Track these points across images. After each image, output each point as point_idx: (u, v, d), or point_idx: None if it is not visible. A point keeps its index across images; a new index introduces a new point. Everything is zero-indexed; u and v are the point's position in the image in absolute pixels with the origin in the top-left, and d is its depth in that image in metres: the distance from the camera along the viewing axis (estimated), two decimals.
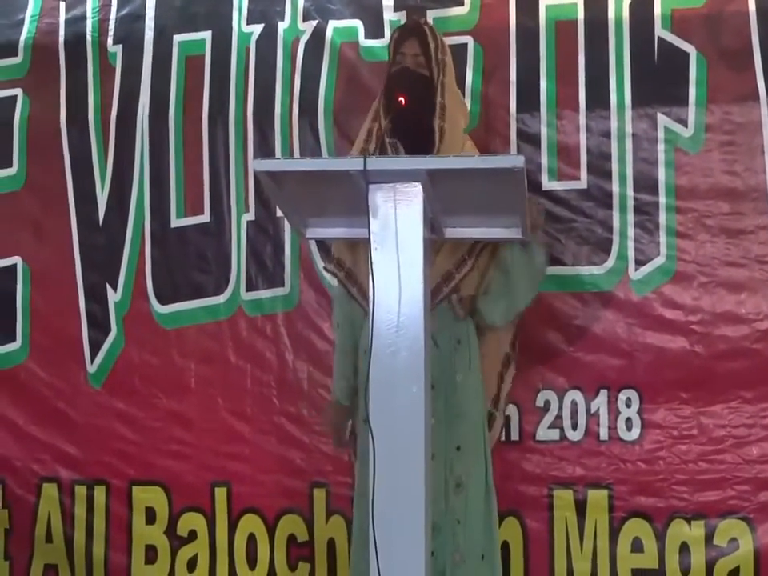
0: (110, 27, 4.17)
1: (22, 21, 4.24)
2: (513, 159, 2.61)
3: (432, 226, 2.70)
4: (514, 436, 3.69)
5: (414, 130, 3.13)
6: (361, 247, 2.99)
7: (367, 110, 3.36)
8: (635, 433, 3.59)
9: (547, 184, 3.72)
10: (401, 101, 3.03)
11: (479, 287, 3.21)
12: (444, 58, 3.22)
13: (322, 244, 3.68)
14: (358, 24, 3.94)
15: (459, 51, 3.75)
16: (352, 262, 3.13)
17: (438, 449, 3.01)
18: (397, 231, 2.56)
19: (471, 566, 3.09)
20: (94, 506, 4.07)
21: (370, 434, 2.54)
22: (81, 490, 4.08)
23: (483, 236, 2.96)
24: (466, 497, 3.12)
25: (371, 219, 2.54)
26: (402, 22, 3.72)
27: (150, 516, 4.01)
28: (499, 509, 3.37)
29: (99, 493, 4.06)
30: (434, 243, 2.85)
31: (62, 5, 4.17)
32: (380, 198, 2.54)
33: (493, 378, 3.35)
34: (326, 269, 3.47)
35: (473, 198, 2.72)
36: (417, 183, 2.53)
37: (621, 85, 3.69)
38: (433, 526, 2.76)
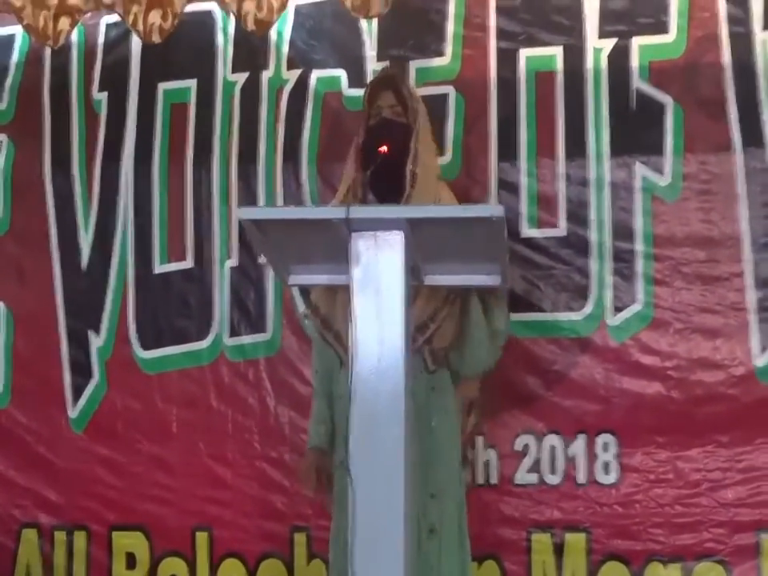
0: (95, 74, 4.24)
1: (7, 66, 4.29)
2: (492, 209, 2.71)
3: (412, 272, 2.72)
4: (493, 480, 3.75)
5: (393, 177, 3.16)
6: (338, 294, 3.08)
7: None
8: (612, 477, 3.65)
9: (527, 231, 3.79)
10: (383, 150, 3.05)
11: (452, 339, 3.23)
12: (417, 107, 3.32)
13: (305, 290, 3.62)
14: (341, 73, 4.03)
15: (440, 101, 3.88)
16: (327, 309, 3.19)
17: (413, 496, 2.94)
18: (378, 278, 2.61)
19: None
20: (74, 552, 4.10)
21: (348, 477, 2.60)
22: (60, 536, 4.11)
23: (463, 283, 2.99)
24: (439, 543, 3.16)
25: (353, 266, 2.60)
26: (385, 69, 3.81)
27: (131, 561, 4.05)
28: (478, 552, 3.44)
29: (79, 538, 4.10)
30: (414, 291, 2.85)
31: (47, 51, 4.17)
32: (362, 246, 2.59)
33: (465, 429, 3.36)
34: (303, 315, 3.56)
35: (453, 245, 2.75)
36: (398, 231, 2.59)
37: (599, 134, 3.77)
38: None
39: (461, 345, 3.24)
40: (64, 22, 3.50)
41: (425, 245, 2.69)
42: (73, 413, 4.15)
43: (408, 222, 2.60)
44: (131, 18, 3.44)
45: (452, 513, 3.19)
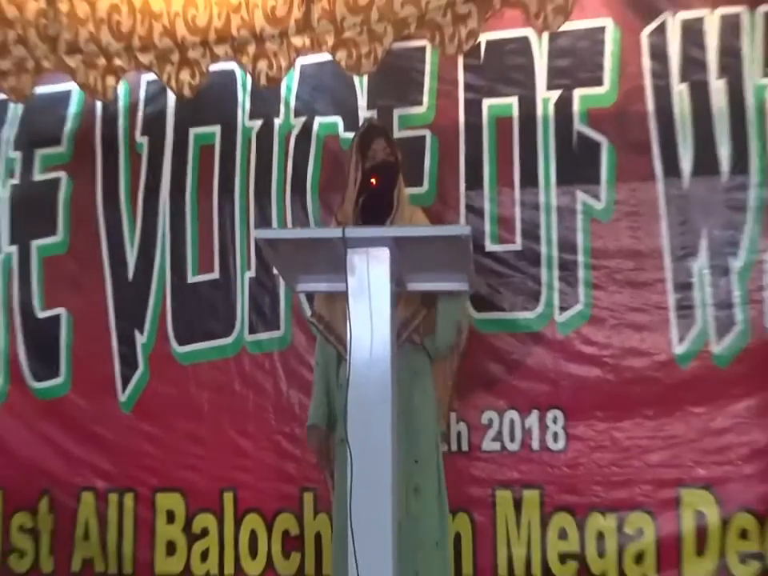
0: (137, 122, 4.23)
1: (65, 116, 4.29)
2: (461, 229, 2.81)
3: (397, 280, 2.74)
4: (464, 447, 3.75)
5: (382, 203, 3.18)
6: (337, 303, 3.06)
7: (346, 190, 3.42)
8: (561, 444, 3.66)
9: (490, 246, 3.78)
10: (373, 183, 3.15)
11: (433, 332, 3.23)
12: (397, 150, 3.33)
13: (310, 297, 3.63)
14: (338, 120, 4.01)
15: (419, 142, 3.90)
16: (330, 316, 3.18)
17: (400, 462, 2.95)
18: (369, 286, 2.65)
19: (427, 552, 3.13)
20: (124, 511, 4.08)
21: (347, 449, 2.63)
22: (113, 497, 4.09)
23: (438, 288, 3.00)
24: (423, 500, 3.16)
25: (349, 276, 2.64)
26: (372, 118, 3.79)
27: (170, 517, 4.03)
28: (452, 506, 3.42)
29: (128, 499, 4.08)
30: (399, 295, 2.86)
31: (98, 103, 4.15)
32: (356, 260, 2.64)
33: (444, 402, 3.38)
34: (310, 321, 3.50)
35: (430, 258, 2.78)
36: (385, 248, 2.63)
37: (547, 168, 3.77)
38: (399, 524, 2.79)
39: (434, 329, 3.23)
40: (111, 80, 3.46)
41: (407, 258, 2.72)
42: (122, 397, 4.14)
43: (393, 240, 2.65)
44: (165, 76, 3.41)
45: (432, 475, 3.20)
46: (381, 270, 2.65)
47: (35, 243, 4.31)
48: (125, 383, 4.16)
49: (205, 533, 4.01)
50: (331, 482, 3.36)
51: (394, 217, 3.19)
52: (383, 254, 2.65)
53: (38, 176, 4.36)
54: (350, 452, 2.64)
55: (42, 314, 4.29)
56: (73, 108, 4.30)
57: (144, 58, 3.41)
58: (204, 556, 4.00)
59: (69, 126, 4.31)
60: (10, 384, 4.28)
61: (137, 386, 4.15)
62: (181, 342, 4.13)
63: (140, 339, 4.16)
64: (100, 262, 4.23)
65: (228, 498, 3.99)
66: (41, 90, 4.00)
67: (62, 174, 4.31)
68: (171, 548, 4.03)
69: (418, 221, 3.32)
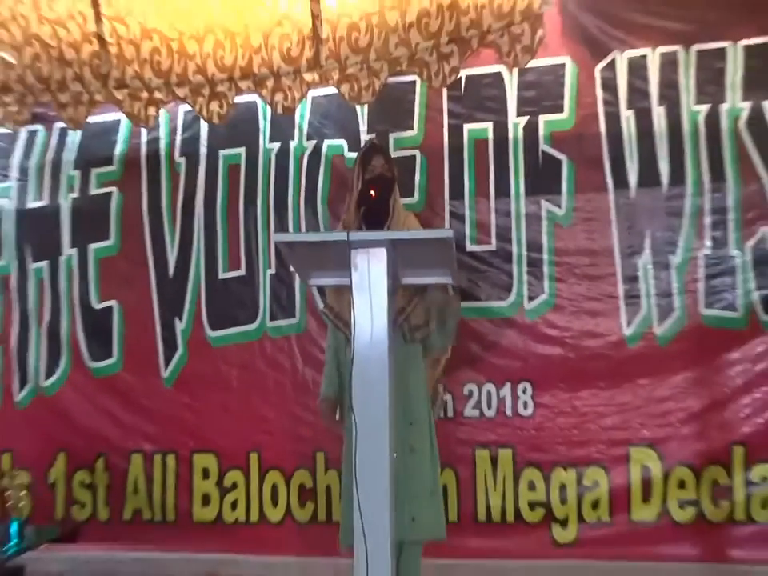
0: (176, 145, 4.20)
1: (116, 140, 4.25)
2: (445, 232, 2.78)
3: (393, 275, 2.71)
4: (450, 414, 3.77)
5: (381, 210, 3.14)
6: (344, 295, 2.95)
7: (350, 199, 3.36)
8: (530, 411, 3.71)
9: (470, 247, 3.81)
10: (372, 194, 3.10)
11: (422, 318, 3.16)
12: (393, 166, 3.27)
13: (322, 291, 3.63)
14: (343, 142, 3.99)
15: (411, 160, 3.90)
16: (339, 308, 3.12)
17: (397, 425, 2.91)
18: (370, 280, 2.62)
19: (422, 500, 3.06)
20: (167, 469, 4.07)
21: (352, 415, 2.61)
22: (158, 458, 4.08)
23: (427, 281, 2.93)
24: (416, 457, 3.09)
25: (353, 272, 2.61)
26: (373, 140, 3.71)
27: (205, 474, 4.02)
28: (440, 463, 3.32)
29: (170, 459, 4.07)
30: (395, 288, 2.82)
31: (143, 131, 4.12)
32: (359, 258, 2.61)
33: (432, 381, 3.30)
34: (323, 312, 3.43)
35: (420, 257, 2.74)
36: (383, 248, 2.61)
37: (517, 181, 3.79)
38: (397, 477, 2.78)
39: (436, 335, 3.20)
40: (152, 110, 3.45)
41: (401, 257, 2.70)
42: (165, 374, 4.12)
43: (390, 242, 2.64)
44: (198, 106, 3.40)
45: (425, 436, 3.15)
46: (379, 266, 2.63)
47: (92, 246, 4.27)
48: (167, 362, 4.14)
49: (234, 486, 4.00)
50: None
51: (390, 222, 3.16)
52: (381, 254, 2.63)
53: (93, 191, 4.31)
54: (354, 418, 2.62)
55: (97, 306, 4.25)
56: (122, 134, 4.26)
57: (180, 92, 3.39)
58: (233, 506, 4.00)
59: (119, 149, 4.27)
60: (71, 364, 4.23)
61: (177, 365, 4.13)
62: (213, 328, 4.10)
63: (179, 326, 4.14)
64: (145, 261, 4.20)
65: (253, 457, 3.98)
66: (94, 119, 3.95)
67: (113, 189, 4.27)
68: (206, 499, 4.03)
69: (411, 225, 3.28)
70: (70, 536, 3.32)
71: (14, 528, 2.74)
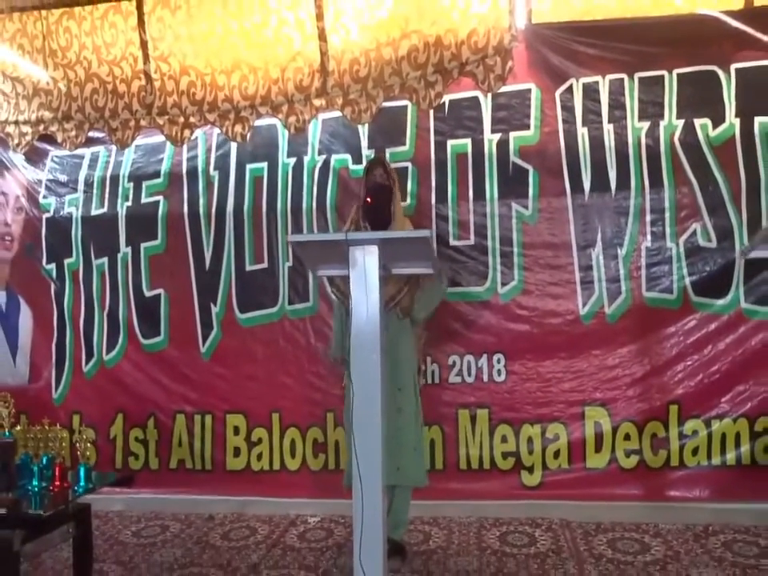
0: (211, 162, 4.15)
1: (162, 159, 4.22)
2: (423, 232, 2.74)
3: (384, 267, 2.71)
4: (436, 381, 3.77)
5: (379, 215, 3.15)
6: (347, 279, 2.95)
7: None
8: (503, 377, 3.71)
9: (453, 242, 3.79)
10: (369, 200, 3.13)
11: (412, 303, 3.18)
12: (394, 176, 3.27)
13: (331, 280, 3.47)
14: (348, 157, 3.95)
15: (404, 171, 3.84)
16: (344, 288, 3.06)
17: (387, 390, 2.89)
18: (365, 270, 2.64)
19: (408, 454, 3.10)
20: (204, 427, 4.07)
21: (349, 379, 2.66)
22: (197, 418, 4.08)
23: (412, 272, 2.90)
24: (404, 417, 3.12)
25: (351, 264, 2.64)
26: (372, 155, 3.76)
27: (236, 431, 4.02)
28: (427, 422, 3.43)
29: (207, 419, 4.07)
30: (385, 277, 2.79)
31: (185, 148, 4.04)
32: (356, 254, 2.64)
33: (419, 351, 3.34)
34: (332, 290, 3.41)
35: (405, 252, 2.75)
36: (375, 245, 2.63)
37: (492, 187, 3.77)
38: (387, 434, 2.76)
39: (420, 302, 3.22)
40: (186, 132, 3.48)
41: (390, 252, 2.70)
42: (203, 349, 4.10)
43: (380, 240, 2.65)
44: (224, 129, 3.42)
45: (411, 399, 3.18)
46: (372, 259, 2.65)
47: (143, 245, 4.26)
48: (204, 339, 4.13)
49: (260, 441, 4.01)
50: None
51: (392, 226, 3.15)
52: (374, 250, 2.64)
53: (144, 200, 4.28)
54: (351, 382, 2.65)
55: (148, 294, 4.24)
56: (167, 153, 4.21)
57: (210, 117, 3.42)
58: (259, 457, 4.00)
59: (164, 165, 4.23)
60: (127, 341, 4.23)
61: (212, 342, 4.11)
62: (242, 311, 4.08)
63: (214, 309, 4.12)
64: (186, 257, 4.18)
65: (275, 417, 3.99)
66: (144, 140, 4.09)
67: (160, 198, 4.25)
68: (237, 452, 4.03)
69: (407, 228, 3.26)
70: (127, 481, 3.35)
71: (82, 472, 2.79)
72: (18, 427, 2.84)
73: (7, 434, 2.82)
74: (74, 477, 2.74)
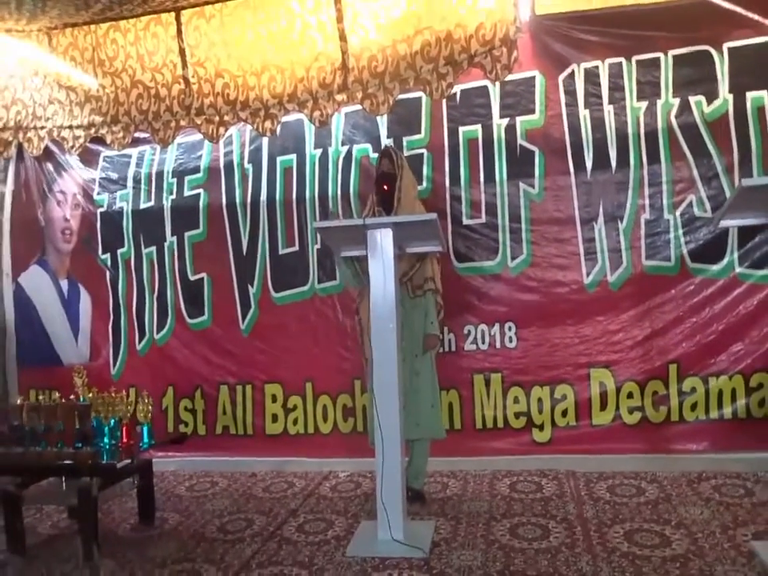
0: (245, 156, 4.27)
1: (201, 155, 4.36)
2: (431, 216, 2.83)
3: (398, 247, 2.89)
4: (453, 349, 3.90)
5: (389, 201, 3.28)
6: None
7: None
8: (514, 344, 3.83)
9: (466, 221, 3.91)
10: (384, 187, 3.27)
11: (423, 279, 3.28)
12: (401, 163, 3.36)
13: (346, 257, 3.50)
14: (368, 146, 4.08)
15: (419, 157, 3.95)
16: (365, 266, 3.05)
17: (406, 355, 3.13)
18: (382, 250, 2.82)
19: (426, 411, 3.25)
20: (246, 396, 4.23)
21: (371, 349, 2.81)
22: (239, 388, 4.24)
23: (423, 250, 3.07)
24: (420, 378, 3.26)
25: (369, 246, 2.82)
26: (388, 145, 3.76)
27: (274, 399, 4.19)
28: (445, 386, 3.58)
29: (248, 389, 4.23)
30: (400, 256, 2.98)
31: (222, 144, 4.19)
32: (373, 236, 2.81)
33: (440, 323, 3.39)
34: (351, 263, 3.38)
35: (416, 233, 2.91)
36: (389, 229, 2.80)
37: (501, 169, 3.87)
38: (405, 393, 2.96)
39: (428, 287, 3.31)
40: (221, 130, 3.57)
41: (403, 233, 2.86)
42: (242, 326, 4.26)
43: (394, 224, 2.80)
44: (255, 125, 3.49)
45: (428, 364, 3.30)
46: (387, 241, 2.81)
47: (187, 234, 4.38)
48: (243, 317, 4.26)
49: (295, 407, 4.16)
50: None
51: (396, 209, 3.25)
52: (388, 232, 2.80)
53: (186, 193, 4.39)
54: (372, 350, 2.82)
55: (192, 278, 4.37)
56: (206, 149, 4.34)
57: (242, 114, 3.49)
58: (295, 422, 4.16)
59: (204, 160, 4.35)
60: (175, 321, 4.38)
61: (251, 319, 4.24)
62: (276, 290, 4.21)
63: (251, 290, 4.24)
64: (226, 243, 4.29)
65: (309, 385, 4.14)
66: (185, 139, 4.20)
67: (201, 191, 4.36)
68: (275, 418, 4.19)
69: (417, 211, 3.33)
70: (182, 439, 3.68)
71: (146, 431, 3.11)
72: (90, 394, 3.17)
73: (83, 398, 3.18)
74: (138, 435, 3.08)
